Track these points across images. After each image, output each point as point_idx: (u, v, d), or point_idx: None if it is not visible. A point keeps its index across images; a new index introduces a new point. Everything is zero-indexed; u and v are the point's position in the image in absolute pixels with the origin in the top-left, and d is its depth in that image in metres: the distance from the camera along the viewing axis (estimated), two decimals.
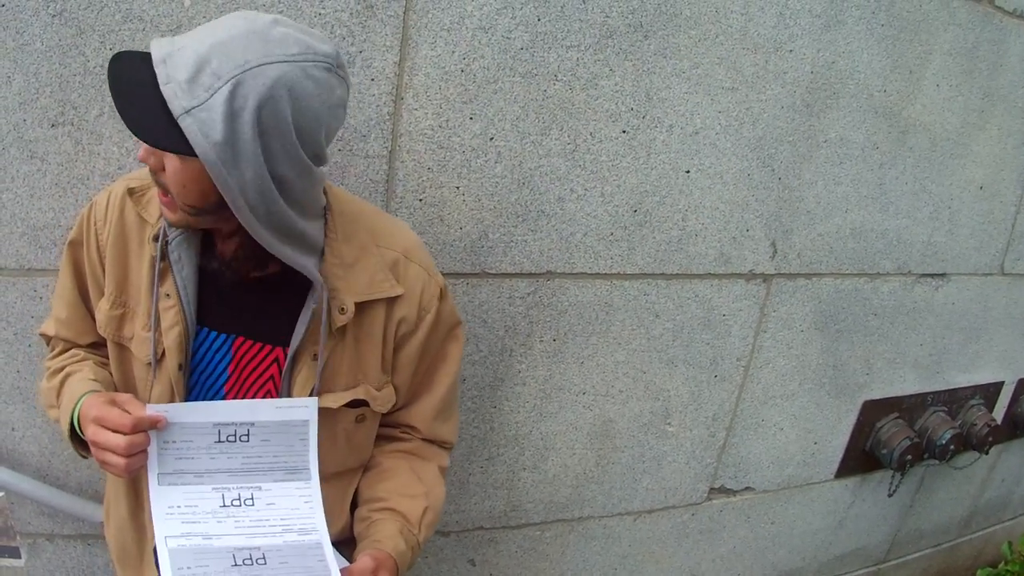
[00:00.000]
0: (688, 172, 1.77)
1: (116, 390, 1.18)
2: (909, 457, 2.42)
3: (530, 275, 1.71)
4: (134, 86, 0.90)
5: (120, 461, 0.98)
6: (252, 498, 1.06)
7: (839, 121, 1.91)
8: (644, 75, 1.64)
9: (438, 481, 1.29)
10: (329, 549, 1.06)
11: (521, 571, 2.07)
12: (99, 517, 1.51)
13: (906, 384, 2.45)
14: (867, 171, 2.02)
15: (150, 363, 1.12)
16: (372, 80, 1.43)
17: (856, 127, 1.95)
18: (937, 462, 2.57)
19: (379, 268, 1.13)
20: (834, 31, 1.80)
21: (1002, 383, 2.74)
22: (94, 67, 1.29)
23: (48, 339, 1.28)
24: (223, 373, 1.14)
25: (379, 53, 1.42)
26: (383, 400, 1.20)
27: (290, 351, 1.10)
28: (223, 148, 0.88)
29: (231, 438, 1.04)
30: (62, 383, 1.16)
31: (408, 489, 1.24)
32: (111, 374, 1.19)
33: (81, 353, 1.22)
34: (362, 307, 1.12)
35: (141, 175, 1.14)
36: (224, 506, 1.05)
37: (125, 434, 0.98)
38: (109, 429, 0.99)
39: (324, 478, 1.11)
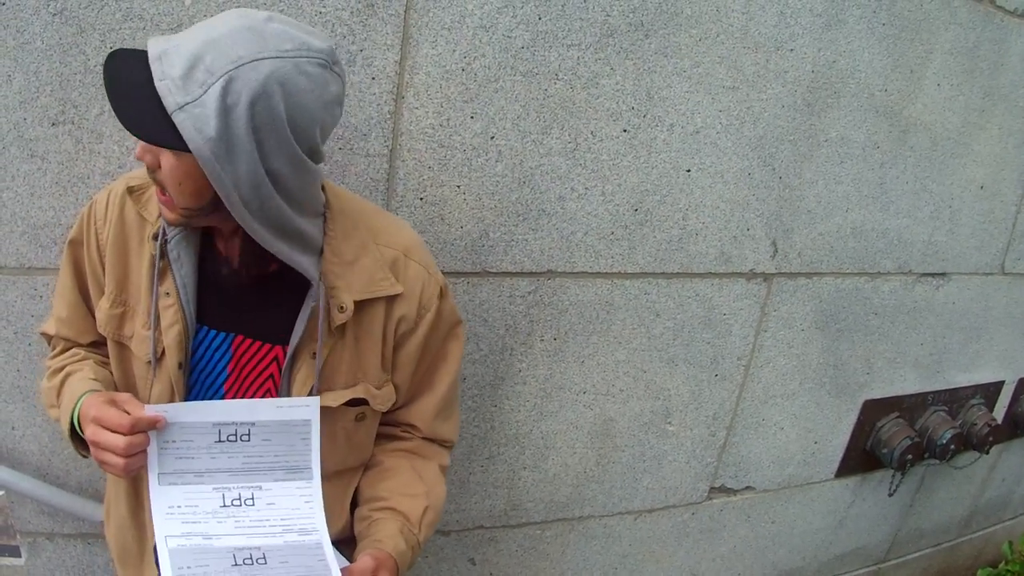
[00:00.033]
0: (689, 171, 1.77)
1: (116, 389, 1.18)
2: (909, 456, 2.42)
3: (531, 274, 1.71)
4: (129, 83, 0.91)
5: (119, 461, 0.98)
6: (252, 498, 1.06)
7: (840, 120, 1.91)
8: (645, 74, 1.64)
9: (439, 480, 1.29)
10: (329, 549, 1.06)
11: (521, 570, 2.07)
12: (99, 516, 1.51)
13: (907, 383, 2.45)
14: (868, 170, 2.02)
15: (150, 362, 1.12)
16: (373, 79, 1.43)
17: (857, 126, 1.94)
18: (937, 462, 2.57)
19: (379, 267, 1.13)
20: (835, 30, 1.80)
21: (1002, 383, 2.74)
22: (95, 66, 1.29)
23: (49, 338, 1.28)
24: (223, 372, 1.14)
25: (380, 52, 1.42)
26: (383, 399, 1.20)
27: (289, 350, 1.10)
28: (217, 144, 0.89)
29: (231, 437, 1.04)
30: (62, 382, 1.16)
31: (409, 488, 1.24)
32: (111, 373, 1.19)
33: (82, 352, 1.22)
34: (362, 306, 1.12)
35: (141, 174, 1.13)
36: (224, 506, 1.05)
37: (124, 434, 0.98)
38: (108, 429, 0.98)
39: (324, 477, 1.11)
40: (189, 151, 0.89)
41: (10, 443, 1.52)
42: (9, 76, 1.26)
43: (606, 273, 1.79)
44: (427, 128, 1.50)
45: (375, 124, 1.46)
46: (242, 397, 1.14)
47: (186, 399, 1.14)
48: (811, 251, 2.04)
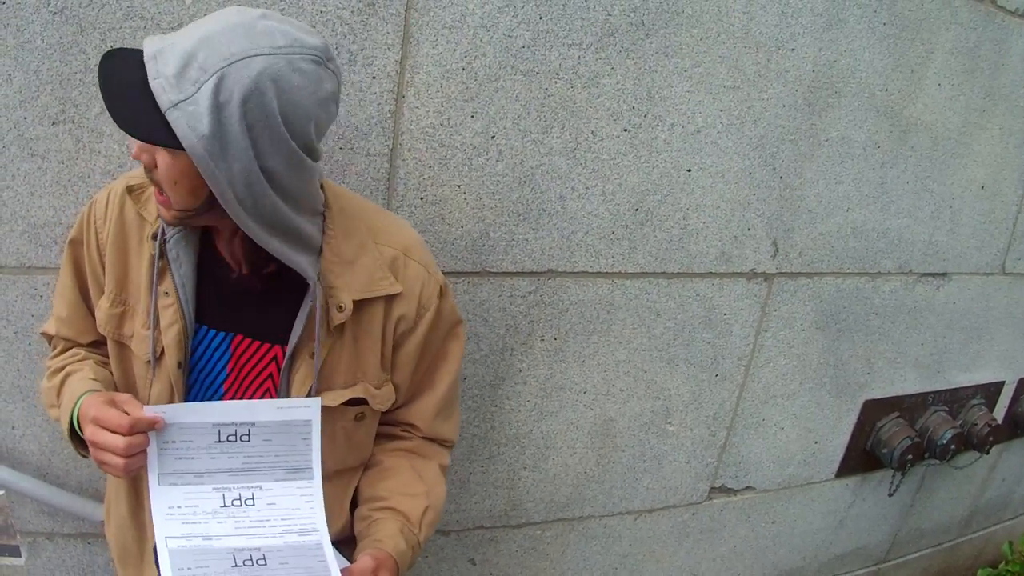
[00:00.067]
0: (689, 171, 1.77)
1: (116, 389, 1.17)
2: (910, 457, 2.42)
3: (531, 274, 1.71)
4: (123, 82, 0.91)
5: (119, 462, 0.98)
6: (253, 498, 1.06)
7: (841, 120, 1.91)
8: (646, 73, 1.64)
9: (439, 480, 1.29)
10: (330, 550, 1.06)
11: (521, 570, 2.06)
12: (99, 516, 1.51)
13: (907, 383, 2.45)
14: (868, 170, 2.02)
15: (149, 361, 1.12)
16: (373, 78, 1.43)
17: (858, 126, 1.94)
18: (938, 462, 2.57)
19: (378, 266, 1.13)
20: (836, 30, 1.80)
21: (1003, 383, 2.74)
22: (95, 65, 1.28)
23: (49, 338, 1.28)
24: (222, 371, 1.14)
25: (380, 51, 1.42)
26: (382, 398, 1.20)
27: (288, 349, 1.10)
28: (210, 141, 0.89)
29: (231, 438, 1.04)
30: (62, 382, 1.16)
31: (409, 488, 1.23)
32: (111, 373, 1.19)
33: (82, 352, 1.22)
34: (361, 305, 1.12)
35: (141, 173, 1.13)
36: (225, 506, 1.04)
37: (123, 435, 0.98)
38: (107, 429, 0.98)
39: (324, 477, 1.10)
40: (183, 149, 0.90)
41: (10, 443, 1.52)
42: (9, 75, 1.26)
43: (607, 273, 1.79)
44: (427, 127, 1.50)
45: (375, 123, 1.46)
46: (241, 397, 1.14)
47: (185, 399, 1.14)
48: (812, 251, 2.04)
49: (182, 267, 1.09)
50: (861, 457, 2.48)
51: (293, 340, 1.09)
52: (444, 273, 1.25)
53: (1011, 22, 2.06)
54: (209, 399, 1.15)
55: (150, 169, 0.98)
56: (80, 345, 1.24)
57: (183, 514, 1.03)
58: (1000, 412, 2.81)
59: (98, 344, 1.23)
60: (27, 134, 1.30)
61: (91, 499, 1.55)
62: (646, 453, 2.06)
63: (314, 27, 1.36)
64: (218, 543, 1.02)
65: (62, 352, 1.23)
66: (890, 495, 2.62)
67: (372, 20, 1.39)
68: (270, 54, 0.90)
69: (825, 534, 2.59)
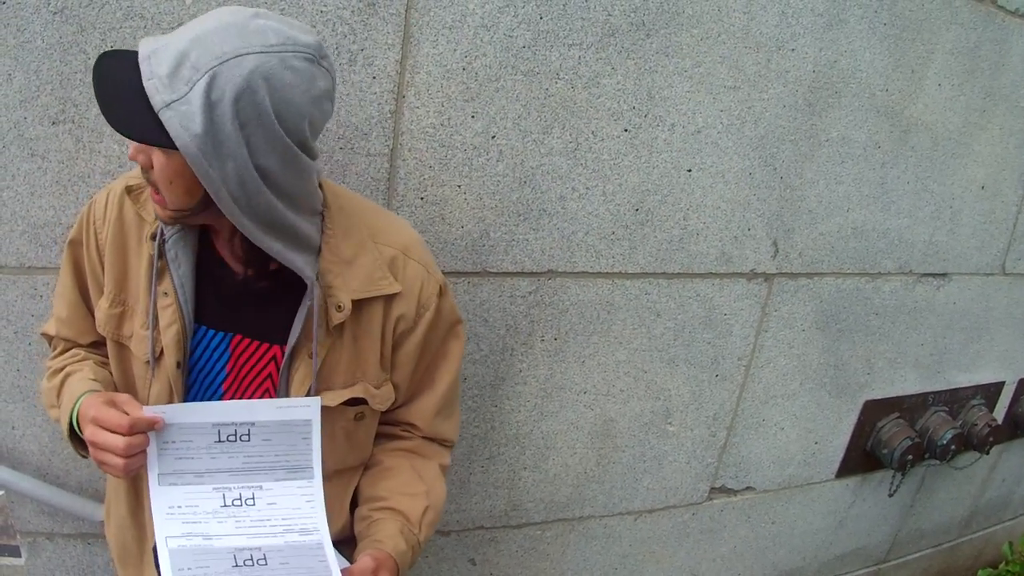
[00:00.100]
0: (690, 171, 1.77)
1: (116, 390, 1.17)
2: (910, 457, 2.42)
3: (531, 274, 1.71)
4: (117, 84, 0.91)
5: (119, 462, 0.98)
6: (253, 498, 1.06)
7: (841, 120, 1.91)
8: (646, 74, 1.64)
9: (439, 480, 1.29)
10: (330, 549, 1.06)
11: (521, 571, 2.06)
12: (99, 516, 1.51)
13: (907, 384, 2.45)
14: (869, 170, 2.02)
15: (148, 361, 1.12)
16: (374, 78, 1.43)
17: (858, 126, 1.94)
18: (938, 462, 2.57)
19: (377, 265, 1.13)
20: (836, 30, 1.80)
21: (1003, 383, 2.74)
22: None
23: (49, 339, 1.28)
24: (221, 371, 1.14)
25: (380, 51, 1.42)
26: (382, 398, 1.20)
27: (287, 349, 1.10)
28: (203, 140, 0.89)
29: (231, 438, 1.04)
30: (62, 383, 1.16)
31: (409, 488, 1.23)
32: (111, 373, 1.19)
33: (82, 353, 1.22)
34: (360, 305, 1.12)
35: (140, 173, 1.13)
36: (225, 506, 1.04)
37: (123, 435, 0.97)
38: (107, 429, 0.98)
39: (324, 476, 1.10)
40: (177, 149, 0.90)
41: (10, 443, 1.52)
42: (9, 75, 1.26)
43: (607, 273, 1.79)
44: (428, 127, 1.50)
45: (376, 123, 1.46)
46: (240, 397, 1.14)
47: (185, 399, 1.14)
48: (812, 251, 2.04)
49: (181, 267, 1.09)
50: (861, 457, 2.48)
51: (292, 340, 1.09)
52: (444, 273, 1.25)
53: (1011, 22, 2.06)
54: (208, 399, 1.15)
55: (147, 170, 0.98)
56: (80, 346, 1.24)
57: (183, 514, 1.03)
58: (1000, 412, 2.81)
59: (98, 344, 1.23)
60: (27, 134, 1.30)
61: (91, 499, 1.55)
62: (646, 453, 2.06)
63: (314, 27, 1.36)
64: (218, 543, 1.02)
65: (62, 353, 1.23)
66: (890, 495, 2.62)
67: (372, 20, 1.39)
68: (262, 52, 0.90)
69: (825, 534, 2.59)
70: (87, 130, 1.32)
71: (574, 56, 1.56)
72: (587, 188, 1.68)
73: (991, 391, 2.71)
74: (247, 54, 0.89)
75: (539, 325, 1.76)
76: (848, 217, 2.05)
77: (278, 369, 1.13)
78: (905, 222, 2.16)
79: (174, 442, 1.02)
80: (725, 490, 2.26)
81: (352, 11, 1.37)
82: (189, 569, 0.99)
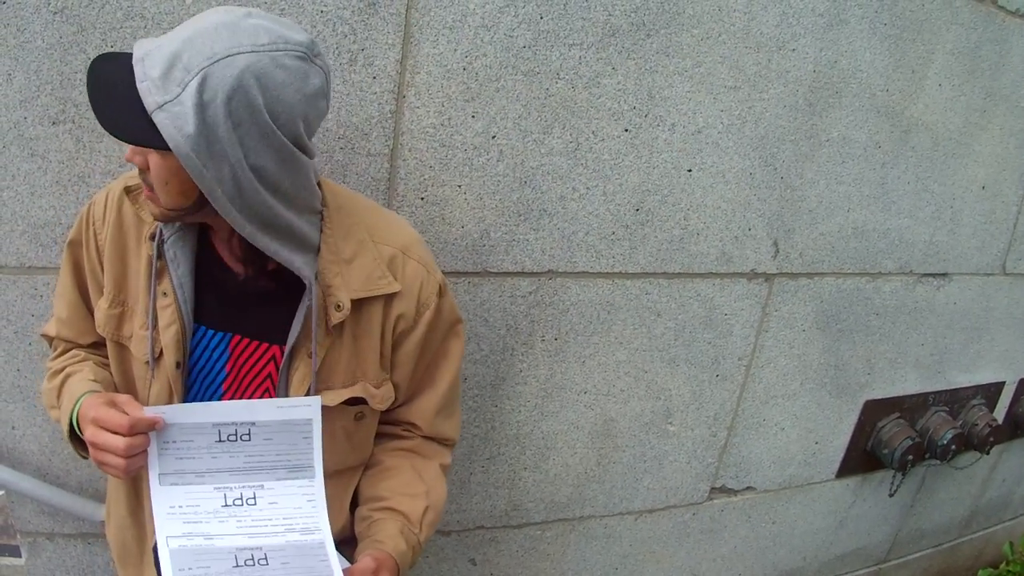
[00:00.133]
0: (690, 171, 1.77)
1: (116, 390, 1.17)
2: (910, 457, 2.42)
3: (532, 274, 1.71)
4: (111, 86, 0.91)
5: (119, 462, 0.98)
6: (254, 497, 1.06)
7: (841, 120, 1.91)
8: (646, 74, 1.64)
9: (439, 480, 1.29)
10: (332, 549, 1.06)
11: (522, 571, 2.06)
12: (99, 516, 1.51)
13: (907, 384, 2.45)
14: (869, 170, 2.02)
15: (148, 362, 1.12)
16: (374, 78, 1.43)
17: (858, 126, 1.94)
18: (938, 462, 2.57)
19: (376, 265, 1.13)
20: (837, 30, 1.80)
21: (1003, 383, 2.74)
22: None
23: (50, 340, 1.28)
24: (221, 371, 1.14)
25: (381, 51, 1.41)
26: (381, 398, 1.20)
27: (286, 349, 1.10)
28: (196, 140, 0.89)
29: (232, 437, 1.04)
30: (62, 384, 1.16)
31: (409, 488, 1.23)
32: (111, 374, 1.19)
33: (82, 354, 1.22)
34: (359, 304, 1.12)
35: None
36: (226, 505, 1.04)
37: (123, 435, 0.97)
38: (107, 430, 0.98)
39: (324, 476, 1.10)
40: (171, 150, 0.90)
41: (10, 443, 1.52)
42: (9, 75, 1.26)
43: (607, 273, 1.79)
44: (428, 127, 1.50)
45: (376, 123, 1.46)
46: (240, 397, 1.14)
47: (184, 399, 1.14)
48: (812, 251, 2.04)
49: (180, 267, 1.09)
50: (862, 457, 2.48)
51: (291, 340, 1.09)
52: (444, 273, 1.25)
53: (1012, 23, 2.06)
54: (208, 399, 1.15)
55: (143, 171, 0.99)
56: (80, 346, 1.24)
57: (184, 514, 1.03)
58: (1000, 412, 2.81)
59: (98, 345, 1.23)
60: (27, 134, 1.30)
61: (91, 499, 1.55)
62: (647, 453, 2.06)
63: (314, 27, 1.36)
64: (219, 543, 1.02)
65: (62, 354, 1.23)
66: (890, 495, 2.62)
67: (373, 20, 1.39)
68: (252, 51, 0.90)
69: (825, 534, 2.59)
70: (87, 130, 1.32)
71: (575, 56, 1.56)
72: (587, 188, 1.68)
73: (991, 391, 2.71)
74: (238, 54, 0.89)
75: (539, 325, 1.76)
76: (849, 217, 2.05)
77: (278, 369, 1.13)
78: (906, 222, 2.16)
79: (175, 442, 1.02)
80: (725, 490, 2.26)
81: (352, 11, 1.37)
82: (190, 569, 0.99)
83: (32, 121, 1.30)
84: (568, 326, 1.80)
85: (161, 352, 1.11)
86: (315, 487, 1.08)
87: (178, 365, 1.11)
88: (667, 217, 1.79)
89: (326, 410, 1.11)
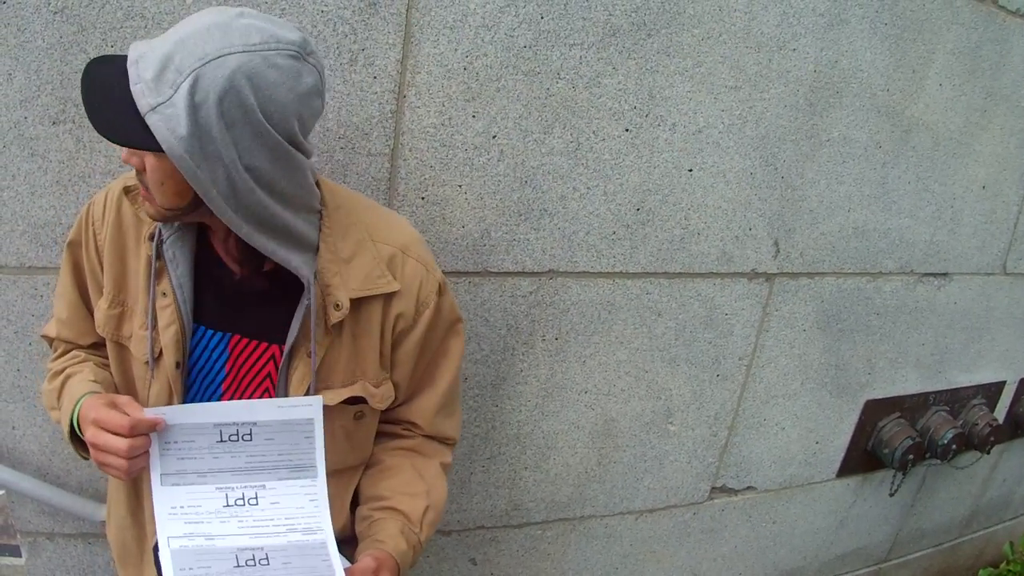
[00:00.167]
0: (691, 171, 1.77)
1: (116, 391, 1.17)
2: (911, 457, 2.42)
3: (532, 274, 1.71)
4: (106, 88, 0.92)
5: (122, 463, 0.98)
6: (256, 497, 1.06)
7: (842, 120, 1.91)
8: (647, 74, 1.64)
9: (440, 479, 1.29)
10: (334, 549, 1.06)
11: (522, 570, 2.06)
12: (99, 516, 1.51)
13: (908, 383, 2.45)
14: (870, 170, 2.01)
15: (148, 362, 1.12)
16: (374, 78, 1.43)
17: (859, 126, 1.94)
18: (939, 462, 2.57)
19: (376, 264, 1.13)
20: (837, 30, 1.80)
21: (1004, 383, 2.74)
22: None
23: (50, 341, 1.28)
24: (220, 371, 1.14)
25: (381, 50, 1.41)
26: (381, 397, 1.20)
27: (285, 348, 1.10)
28: (189, 141, 0.89)
29: (234, 437, 1.04)
30: (62, 384, 1.16)
31: (409, 487, 1.23)
32: (112, 375, 1.19)
33: (82, 354, 1.22)
34: (358, 303, 1.12)
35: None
36: (228, 506, 1.04)
37: (124, 436, 0.97)
38: (108, 431, 0.98)
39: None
40: (164, 152, 0.90)
41: (10, 443, 1.52)
42: (10, 74, 1.26)
43: (608, 273, 1.79)
44: (429, 127, 1.50)
45: (376, 123, 1.46)
46: (240, 396, 1.14)
47: (184, 399, 1.14)
48: (813, 251, 2.04)
49: (179, 267, 1.09)
50: (862, 457, 2.48)
51: (290, 339, 1.09)
52: (445, 273, 1.25)
53: (1012, 22, 2.06)
54: (208, 399, 1.15)
55: (141, 172, 0.99)
56: (81, 347, 1.24)
57: (186, 514, 1.03)
58: (1001, 412, 2.81)
59: (98, 346, 1.23)
60: (27, 134, 1.30)
61: (91, 499, 1.55)
62: (647, 453, 2.06)
63: (315, 27, 1.36)
64: (221, 543, 1.02)
65: (63, 354, 1.23)
66: (891, 495, 2.62)
67: (373, 20, 1.39)
68: (244, 52, 0.90)
69: (826, 534, 2.59)
70: (87, 130, 1.32)
71: (575, 56, 1.55)
72: (588, 188, 1.68)
73: (992, 391, 2.71)
74: (229, 54, 0.89)
75: (540, 325, 1.76)
76: (849, 217, 2.04)
77: (277, 368, 1.13)
78: (906, 222, 2.15)
79: (176, 442, 1.02)
80: (726, 490, 2.26)
81: (353, 11, 1.37)
82: (191, 569, 0.99)
83: (32, 121, 1.29)
84: (569, 326, 1.80)
85: (161, 352, 1.11)
86: (317, 487, 1.08)
87: (178, 365, 1.11)
88: (668, 217, 1.79)
89: (326, 409, 1.11)
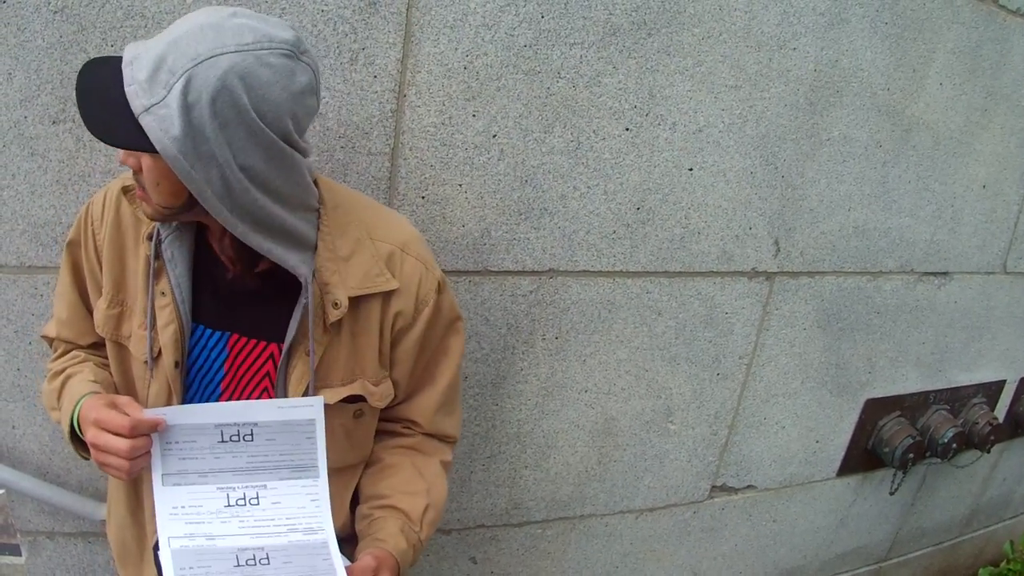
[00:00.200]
0: (691, 170, 1.77)
1: (116, 391, 1.17)
2: (911, 455, 2.42)
3: (532, 273, 1.71)
4: (100, 90, 0.92)
5: (123, 464, 0.98)
6: (257, 497, 1.06)
7: (842, 119, 1.91)
8: (647, 73, 1.64)
9: (440, 477, 1.29)
10: (335, 549, 1.06)
11: (522, 569, 2.06)
12: (99, 515, 1.51)
13: (908, 382, 2.45)
14: (870, 169, 2.01)
15: (147, 361, 1.12)
16: (375, 77, 1.43)
17: (859, 125, 1.94)
18: (939, 460, 2.57)
19: (374, 262, 1.13)
20: (838, 29, 1.80)
21: (1004, 382, 2.74)
22: None
23: (50, 341, 1.28)
24: (219, 370, 1.14)
25: (382, 50, 1.41)
26: (380, 395, 1.20)
27: (284, 347, 1.10)
28: (183, 142, 0.89)
29: (235, 437, 1.04)
30: (63, 385, 1.16)
31: (409, 486, 1.23)
32: (112, 375, 1.19)
33: (82, 355, 1.22)
34: (357, 301, 1.12)
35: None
36: (229, 506, 1.04)
37: (125, 437, 0.97)
38: (109, 432, 0.98)
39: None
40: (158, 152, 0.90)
41: (10, 442, 1.52)
42: (10, 74, 1.26)
43: (608, 272, 1.79)
44: (429, 126, 1.50)
45: (377, 122, 1.46)
46: (239, 395, 1.14)
47: (183, 398, 1.14)
48: (813, 250, 2.04)
49: (177, 267, 1.09)
50: (862, 456, 2.48)
51: (289, 338, 1.09)
52: (445, 272, 1.25)
53: (1013, 22, 2.06)
54: (207, 398, 1.15)
55: (138, 172, 0.99)
56: (81, 347, 1.24)
57: (187, 514, 1.03)
58: (1001, 411, 2.81)
59: (98, 346, 1.23)
60: (27, 133, 1.30)
61: (91, 498, 1.55)
62: (647, 452, 2.06)
63: (315, 26, 1.36)
64: (221, 543, 1.02)
65: (63, 355, 1.23)
66: (891, 494, 2.62)
67: (373, 19, 1.39)
68: (236, 51, 0.90)
69: (826, 533, 2.59)
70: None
71: (575, 55, 1.55)
72: (588, 187, 1.68)
73: (992, 390, 2.71)
74: (222, 54, 0.89)
75: (540, 324, 1.76)
76: (849, 216, 2.04)
77: (276, 367, 1.13)
78: (906, 221, 2.15)
79: (178, 442, 1.02)
80: (726, 488, 2.26)
81: (353, 10, 1.37)
82: (191, 569, 0.99)
83: (32, 120, 1.29)
84: (569, 325, 1.80)
85: (160, 352, 1.11)
86: (319, 487, 1.08)
87: (177, 364, 1.11)
88: (668, 216, 1.79)
89: (326, 408, 1.11)
